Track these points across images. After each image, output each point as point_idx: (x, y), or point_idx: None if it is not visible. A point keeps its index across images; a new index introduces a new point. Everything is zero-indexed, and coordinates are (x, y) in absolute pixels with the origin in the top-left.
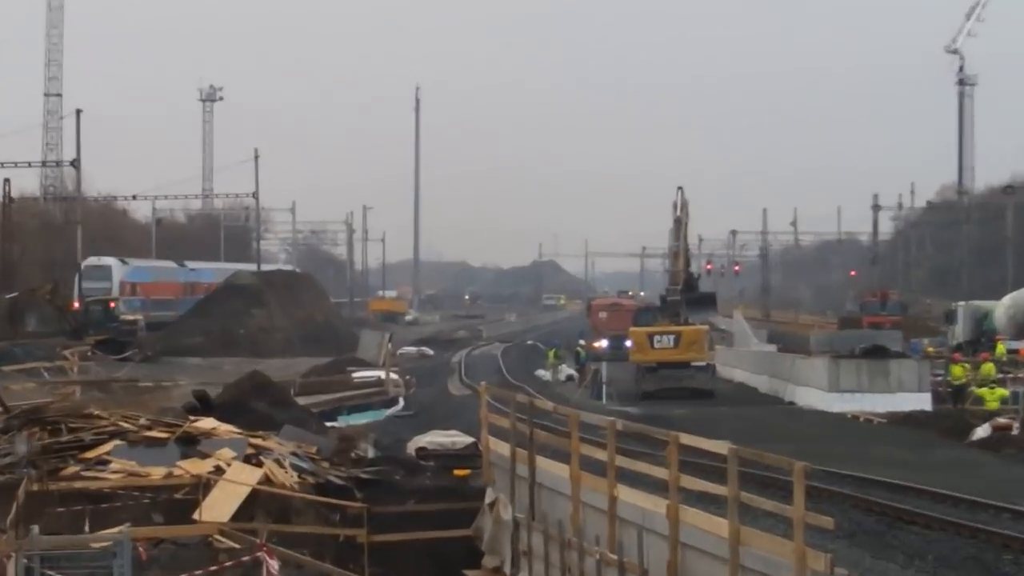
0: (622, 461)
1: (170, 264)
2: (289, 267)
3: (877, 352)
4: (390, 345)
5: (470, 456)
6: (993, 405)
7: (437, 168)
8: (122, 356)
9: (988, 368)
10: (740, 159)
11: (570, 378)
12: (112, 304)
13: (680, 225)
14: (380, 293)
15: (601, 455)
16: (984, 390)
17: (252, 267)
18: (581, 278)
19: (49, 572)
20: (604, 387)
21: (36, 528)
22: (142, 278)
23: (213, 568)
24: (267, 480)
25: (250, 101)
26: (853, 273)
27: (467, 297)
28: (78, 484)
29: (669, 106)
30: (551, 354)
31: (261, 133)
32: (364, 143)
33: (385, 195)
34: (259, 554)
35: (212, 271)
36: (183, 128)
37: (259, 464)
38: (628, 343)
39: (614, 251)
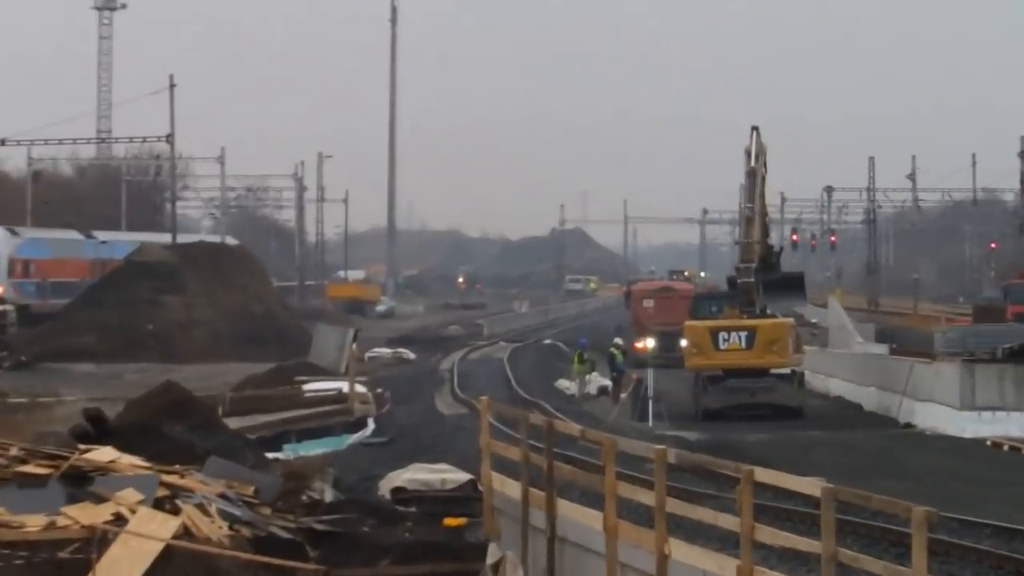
0: (675, 506)
1: (75, 236)
2: (216, 238)
3: None
4: (356, 346)
5: (466, 499)
6: None
7: (421, 112)
8: None
9: None
10: (837, 92)
11: (603, 391)
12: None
13: (755, 179)
14: (341, 274)
15: (647, 498)
16: None
17: (166, 238)
18: (618, 253)
19: None
20: (650, 404)
21: None
22: (38, 254)
23: None
24: (186, 533)
25: (163, 14)
26: (993, 245)
27: (461, 280)
28: None
29: (737, 27)
30: (577, 358)
31: (179, 57)
32: (320, 75)
33: (348, 144)
34: None
35: (129, 244)
36: (72, 50)
37: (175, 511)
38: (684, 343)
39: (663, 216)
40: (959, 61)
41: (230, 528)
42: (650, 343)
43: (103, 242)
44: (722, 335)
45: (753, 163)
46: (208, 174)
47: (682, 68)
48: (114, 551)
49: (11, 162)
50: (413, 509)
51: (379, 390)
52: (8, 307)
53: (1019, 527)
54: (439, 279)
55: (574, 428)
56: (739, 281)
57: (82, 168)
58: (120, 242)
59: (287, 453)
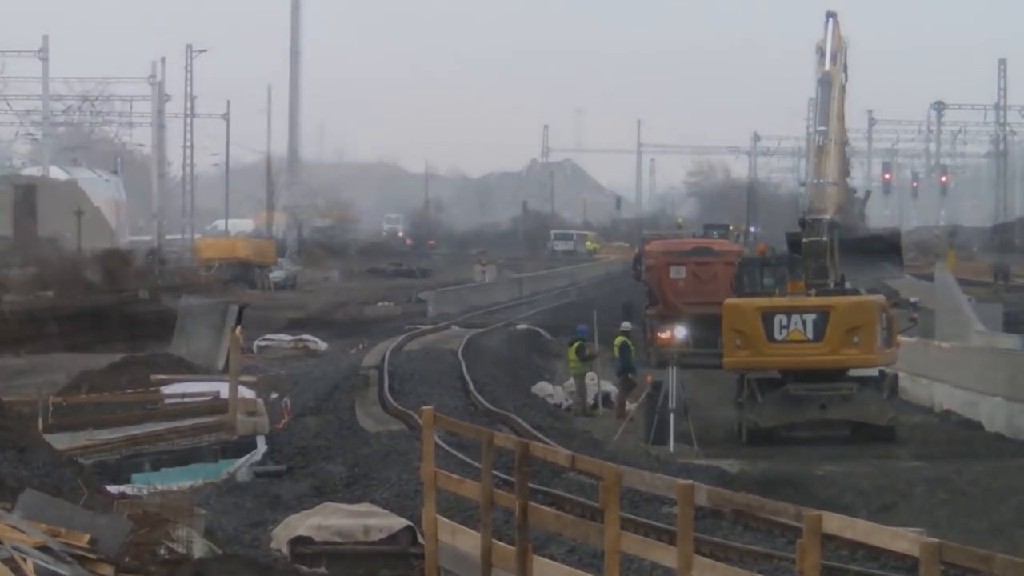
0: (707, 569)
1: None
2: (36, 170)
3: None
4: (240, 330)
5: (400, 556)
6: None
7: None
8: None
9: None
10: None
11: (605, 400)
12: None
13: (830, 90)
14: (219, 225)
15: (665, 556)
16: None
17: None
18: (628, 198)
19: None
20: (673, 418)
21: None
22: None
23: None
24: None
25: None
26: None
27: (386, 232)
28: None
29: None
30: (574, 352)
31: None
32: None
33: (232, 35)
34: None
35: None
36: None
37: None
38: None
39: (694, 144)
40: None
41: None
42: (678, 330)
43: None
44: (779, 320)
45: (828, 66)
46: (25, 75)
47: None
48: None
49: None
50: (323, 570)
51: (274, 396)
52: None
53: None
54: (363, 235)
55: (561, 454)
56: (805, 241)
57: None
58: None
59: (138, 486)
